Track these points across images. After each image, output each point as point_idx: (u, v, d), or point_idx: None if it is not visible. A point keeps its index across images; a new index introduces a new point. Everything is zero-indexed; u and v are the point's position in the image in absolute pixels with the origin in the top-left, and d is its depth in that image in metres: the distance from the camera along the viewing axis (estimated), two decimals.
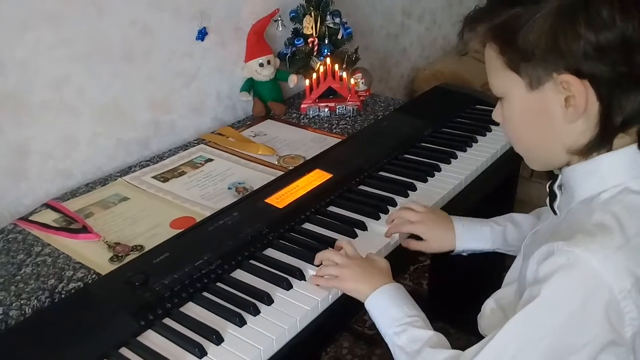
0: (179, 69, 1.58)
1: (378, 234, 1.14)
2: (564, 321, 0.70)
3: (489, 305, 0.97)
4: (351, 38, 1.81)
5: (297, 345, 0.92)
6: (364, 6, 2.21)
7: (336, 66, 1.71)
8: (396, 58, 2.52)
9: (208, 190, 1.33)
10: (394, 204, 1.22)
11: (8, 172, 1.28)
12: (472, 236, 1.12)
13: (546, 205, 0.87)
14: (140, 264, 1.04)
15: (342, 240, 1.06)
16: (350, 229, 1.14)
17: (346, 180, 1.30)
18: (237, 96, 1.73)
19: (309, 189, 1.26)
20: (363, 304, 0.95)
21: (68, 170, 1.39)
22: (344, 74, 1.71)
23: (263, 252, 1.08)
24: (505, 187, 1.68)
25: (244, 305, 0.94)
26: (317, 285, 0.98)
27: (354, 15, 2.05)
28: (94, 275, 1.05)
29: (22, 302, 0.99)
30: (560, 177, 0.83)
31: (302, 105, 1.72)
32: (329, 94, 1.73)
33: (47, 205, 1.28)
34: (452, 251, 1.14)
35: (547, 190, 0.85)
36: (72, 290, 1.02)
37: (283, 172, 1.37)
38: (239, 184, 1.34)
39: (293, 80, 1.75)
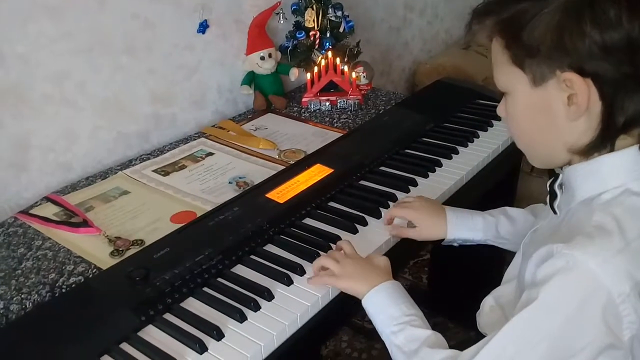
0: (180, 62, 1.57)
1: (378, 230, 1.14)
2: (562, 324, 0.70)
3: (488, 303, 0.97)
4: (353, 31, 1.81)
5: (297, 341, 0.92)
6: None
7: (338, 60, 1.70)
8: (398, 52, 2.51)
9: (209, 184, 1.33)
10: (395, 200, 1.22)
11: (9, 166, 1.28)
12: (463, 225, 1.12)
13: (542, 203, 0.87)
14: (141, 259, 1.04)
15: (342, 241, 1.05)
16: (351, 224, 1.14)
17: (347, 176, 1.30)
18: (238, 89, 1.73)
19: (309, 184, 1.26)
20: None
21: (68, 163, 1.38)
22: (346, 68, 1.71)
23: (264, 248, 1.08)
24: (507, 183, 1.68)
25: (244, 301, 0.94)
26: (314, 284, 0.98)
27: (355, 8, 2.04)
28: (94, 270, 1.06)
29: (22, 296, 0.99)
30: (561, 176, 0.82)
31: (304, 99, 1.72)
32: (330, 88, 1.72)
33: (47, 199, 1.28)
34: (443, 240, 1.13)
35: (548, 189, 0.85)
36: (73, 285, 1.02)
37: (284, 167, 1.37)
38: (240, 178, 1.34)
39: (294, 73, 1.75)
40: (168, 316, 0.92)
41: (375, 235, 1.13)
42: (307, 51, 1.75)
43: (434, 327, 0.89)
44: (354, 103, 1.70)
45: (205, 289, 0.98)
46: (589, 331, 0.70)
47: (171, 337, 0.88)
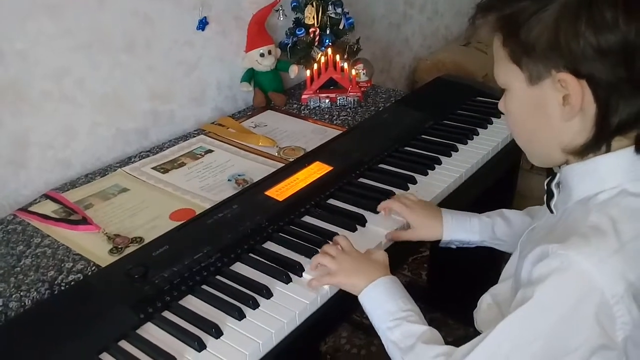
0: (180, 58, 1.57)
1: (378, 227, 1.14)
2: (557, 323, 0.71)
3: (486, 301, 0.97)
4: (353, 28, 1.80)
5: (296, 338, 0.92)
6: None
7: (337, 57, 1.70)
8: (398, 48, 2.51)
9: (208, 181, 1.33)
10: None
11: (8, 163, 1.28)
12: (459, 226, 1.12)
13: (538, 205, 0.87)
14: (140, 257, 1.04)
15: (338, 237, 1.05)
16: (350, 222, 1.14)
17: (346, 173, 1.30)
18: (237, 86, 1.73)
19: (309, 182, 1.26)
20: None
21: (67, 160, 1.38)
22: (345, 65, 1.70)
23: (262, 245, 1.08)
24: (506, 180, 1.67)
25: (243, 299, 0.94)
26: (314, 287, 0.97)
27: (355, 5, 2.04)
28: (93, 267, 1.06)
29: (21, 293, 0.99)
30: (558, 175, 0.82)
31: (303, 96, 1.72)
32: (330, 85, 1.72)
33: (46, 196, 1.28)
34: (439, 241, 1.14)
35: (545, 188, 0.85)
36: (72, 282, 1.02)
37: (283, 164, 1.37)
38: (239, 175, 1.34)
39: (294, 70, 1.74)
40: (167, 314, 0.93)
41: (374, 232, 1.12)
42: (306, 48, 1.75)
43: (433, 323, 0.89)
44: (354, 100, 1.70)
45: (204, 286, 0.98)
46: (583, 331, 0.70)
47: (170, 334, 0.89)
